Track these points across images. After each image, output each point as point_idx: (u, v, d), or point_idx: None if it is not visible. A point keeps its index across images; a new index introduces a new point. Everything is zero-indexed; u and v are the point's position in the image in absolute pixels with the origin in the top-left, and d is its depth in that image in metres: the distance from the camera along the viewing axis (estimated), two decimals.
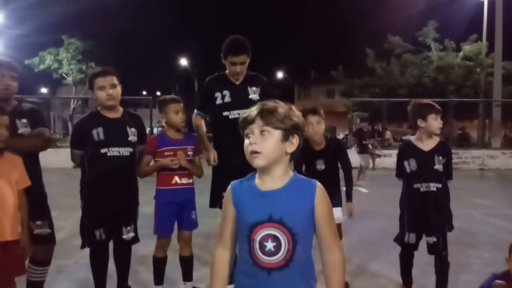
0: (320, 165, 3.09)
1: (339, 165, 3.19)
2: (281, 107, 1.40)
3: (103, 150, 2.69)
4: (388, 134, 17.04)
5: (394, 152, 13.05)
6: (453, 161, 3.04)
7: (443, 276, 2.96)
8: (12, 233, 2.25)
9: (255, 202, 1.40)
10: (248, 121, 1.39)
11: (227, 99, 3.13)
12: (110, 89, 2.71)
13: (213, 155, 3.11)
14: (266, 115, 1.37)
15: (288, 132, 1.39)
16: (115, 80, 2.75)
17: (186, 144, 2.98)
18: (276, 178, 1.41)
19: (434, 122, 2.89)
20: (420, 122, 2.91)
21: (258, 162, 1.37)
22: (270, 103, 1.41)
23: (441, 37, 21.32)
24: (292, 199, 1.38)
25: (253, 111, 1.40)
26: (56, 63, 23.06)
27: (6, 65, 2.58)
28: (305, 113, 3.03)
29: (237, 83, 3.19)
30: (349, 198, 3.14)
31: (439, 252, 2.91)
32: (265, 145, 1.36)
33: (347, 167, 3.20)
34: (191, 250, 3.04)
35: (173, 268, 3.16)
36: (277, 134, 1.37)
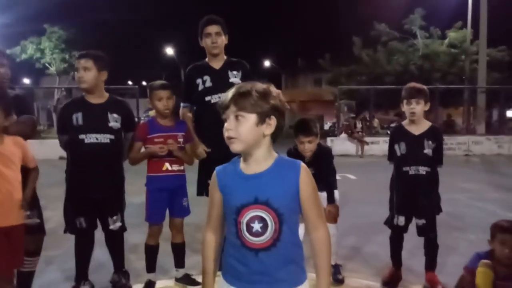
0: (311, 171, 3.05)
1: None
2: (257, 89, 1.37)
3: (81, 136, 2.66)
4: (375, 122, 17.16)
5: (382, 140, 13.28)
6: None
7: (432, 257, 3.03)
8: (16, 218, 2.27)
9: (240, 186, 1.40)
10: (223, 107, 1.39)
11: (208, 83, 3.12)
12: (82, 71, 2.68)
13: (201, 147, 3.07)
14: (239, 100, 1.36)
15: (263, 115, 1.37)
16: (88, 63, 2.69)
17: (177, 131, 2.95)
18: (260, 161, 1.41)
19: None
20: (401, 106, 2.98)
21: (234, 147, 1.37)
22: (245, 86, 1.39)
23: (427, 24, 21.43)
24: (277, 180, 1.38)
25: (228, 96, 1.39)
26: (39, 53, 22.46)
27: None
28: (296, 131, 2.95)
29: (217, 68, 3.17)
30: (330, 200, 3.02)
31: (427, 234, 2.97)
32: (240, 130, 1.36)
33: (332, 172, 3.13)
34: (183, 236, 3.03)
35: (164, 256, 3.15)
36: (251, 118, 1.36)
